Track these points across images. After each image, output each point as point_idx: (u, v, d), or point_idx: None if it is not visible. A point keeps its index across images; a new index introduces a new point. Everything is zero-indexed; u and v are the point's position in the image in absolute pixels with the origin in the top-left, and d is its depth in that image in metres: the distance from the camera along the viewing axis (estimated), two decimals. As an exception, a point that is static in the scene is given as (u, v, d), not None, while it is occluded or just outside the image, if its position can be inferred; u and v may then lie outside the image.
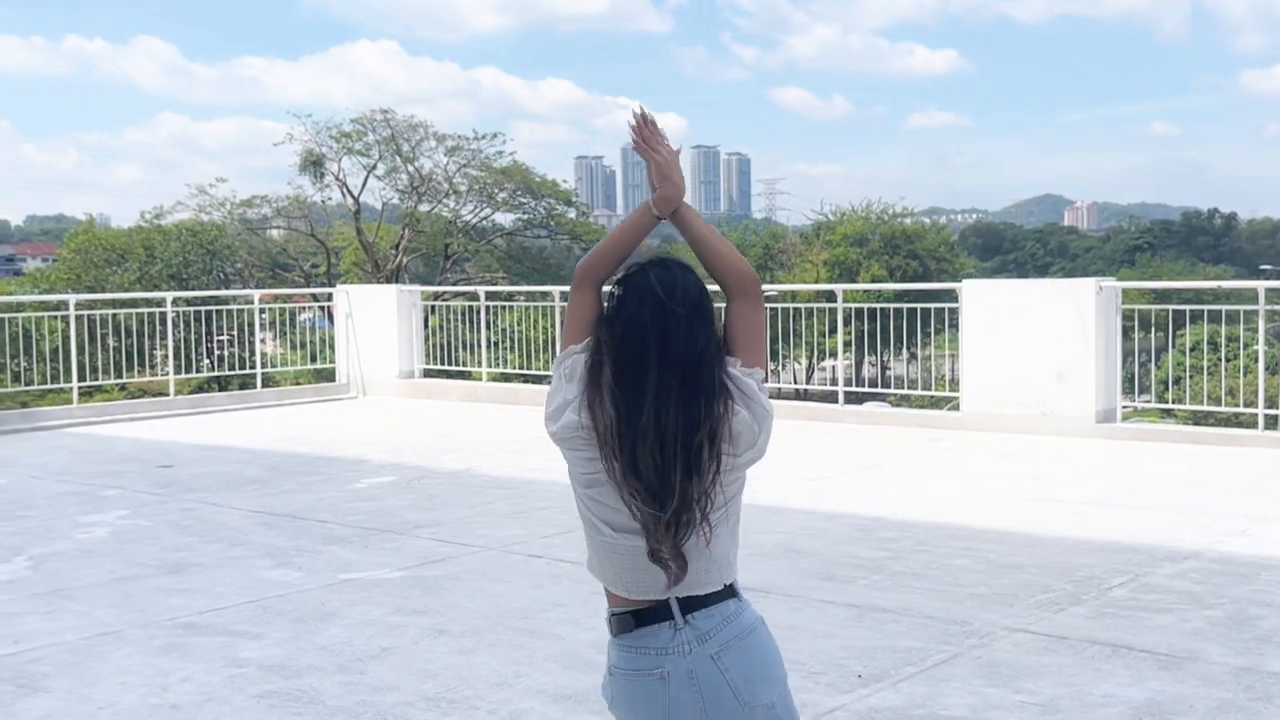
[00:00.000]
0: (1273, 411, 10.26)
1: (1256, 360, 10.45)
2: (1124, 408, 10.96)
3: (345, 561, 6.60)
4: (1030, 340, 10.75)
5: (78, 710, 4.46)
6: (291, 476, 9.33)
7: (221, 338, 17.31)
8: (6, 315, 14.29)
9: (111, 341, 15.27)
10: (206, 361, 17.34)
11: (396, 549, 6.88)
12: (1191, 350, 17.14)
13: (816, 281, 37.24)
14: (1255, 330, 10.67)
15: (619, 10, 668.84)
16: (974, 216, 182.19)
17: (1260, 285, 10.46)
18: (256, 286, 30.37)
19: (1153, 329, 12.21)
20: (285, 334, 18.36)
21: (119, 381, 15.93)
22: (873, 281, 36.53)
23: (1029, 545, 6.62)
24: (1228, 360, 17.27)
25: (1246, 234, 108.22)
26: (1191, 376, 14.96)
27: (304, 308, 20.18)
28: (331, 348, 16.16)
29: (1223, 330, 15.64)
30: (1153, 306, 12.87)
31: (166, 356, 14.71)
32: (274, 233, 38.78)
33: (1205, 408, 13.76)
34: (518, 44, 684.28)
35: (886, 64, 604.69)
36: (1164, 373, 14.02)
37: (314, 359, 17.32)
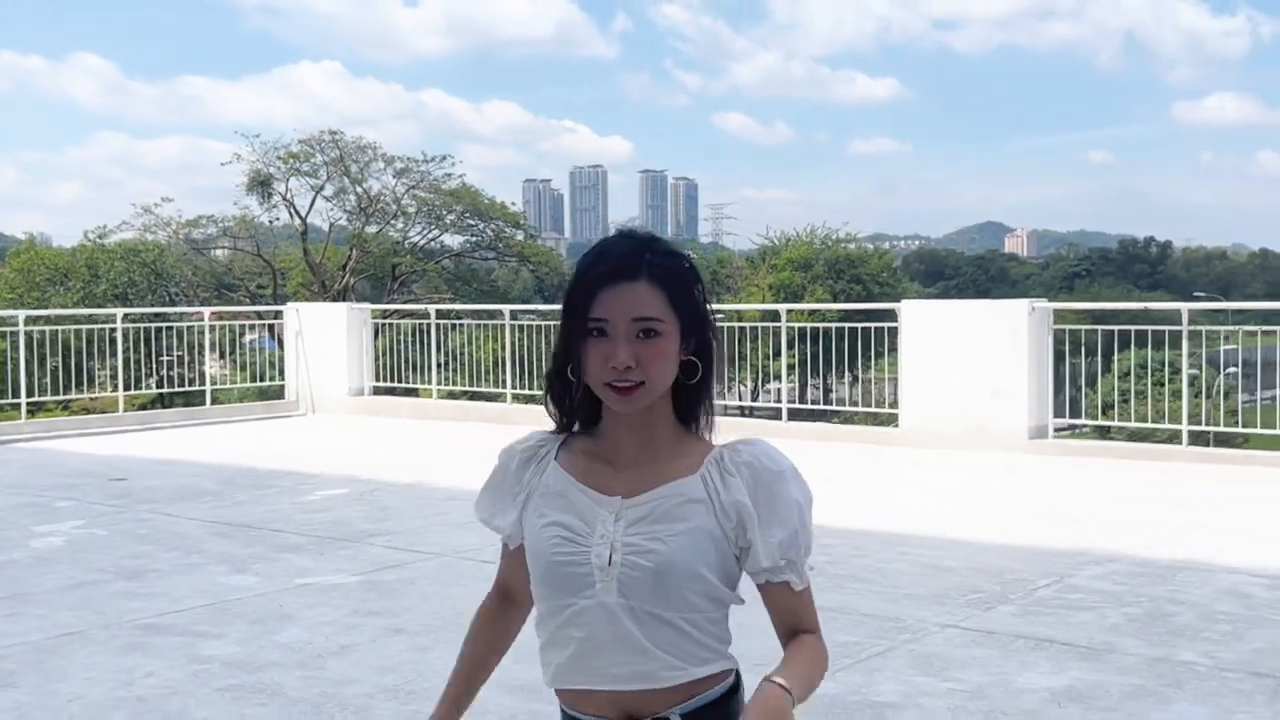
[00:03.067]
0: (1197, 428, 10.68)
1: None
2: (1062, 430, 11.34)
3: (301, 568, 6.76)
4: (966, 359, 11.11)
5: (48, 704, 4.60)
6: (245, 489, 9.45)
7: (166, 357, 17.25)
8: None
9: (56, 360, 15.20)
10: (154, 379, 17.32)
11: (352, 556, 7.05)
12: (1125, 376, 17.61)
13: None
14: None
15: (564, 35, 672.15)
16: (916, 243, 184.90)
17: (1184, 306, 10.93)
18: (202, 305, 30.25)
19: (1085, 354, 12.57)
20: (230, 354, 18.41)
21: (62, 399, 15.90)
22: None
23: (962, 551, 6.92)
24: (1157, 386, 17.76)
25: (1182, 262, 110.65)
26: (1124, 401, 15.43)
27: (250, 326, 20.21)
28: (275, 367, 16.24)
29: (1149, 354, 16.13)
30: (1084, 327, 13.28)
31: (115, 373, 14.72)
32: (219, 253, 38.64)
33: (1138, 425, 14.20)
34: (463, 66, 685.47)
35: (829, 91, 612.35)
36: (1099, 396, 14.44)
37: (259, 378, 17.38)
